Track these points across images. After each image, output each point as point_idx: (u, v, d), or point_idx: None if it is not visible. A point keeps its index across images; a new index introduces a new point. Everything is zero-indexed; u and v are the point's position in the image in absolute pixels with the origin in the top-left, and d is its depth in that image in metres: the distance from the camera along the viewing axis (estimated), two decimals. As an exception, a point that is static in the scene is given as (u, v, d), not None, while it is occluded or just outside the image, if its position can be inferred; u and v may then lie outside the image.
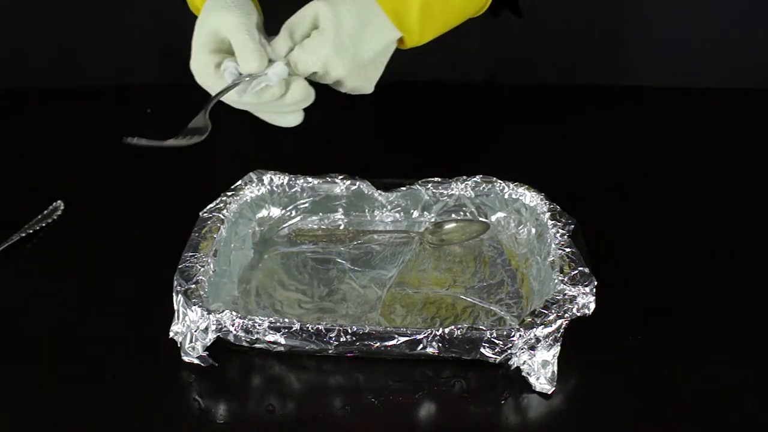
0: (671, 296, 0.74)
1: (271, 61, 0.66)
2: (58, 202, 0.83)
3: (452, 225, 0.80)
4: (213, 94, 0.66)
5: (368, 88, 0.70)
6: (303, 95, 0.67)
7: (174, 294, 0.65)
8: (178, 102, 1.09)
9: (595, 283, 0.65)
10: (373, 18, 0.67)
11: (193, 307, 0.63)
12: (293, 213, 0.82)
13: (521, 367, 0.62)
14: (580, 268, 0.67)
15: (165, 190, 0.89)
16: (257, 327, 0.62)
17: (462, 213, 0.81)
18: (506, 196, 0.80)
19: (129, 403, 0.62)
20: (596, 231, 0.74)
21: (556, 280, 0.67)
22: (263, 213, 0.81)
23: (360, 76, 0.69)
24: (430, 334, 0.62)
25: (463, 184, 0.81)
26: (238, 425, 0.60)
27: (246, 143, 0.98)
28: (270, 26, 0.70)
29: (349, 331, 0.62)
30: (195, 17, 0.70)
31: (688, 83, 1.14)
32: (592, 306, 0.64)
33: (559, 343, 0.62)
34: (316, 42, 0.66)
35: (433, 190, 0.81)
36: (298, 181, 0.81)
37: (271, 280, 0.74)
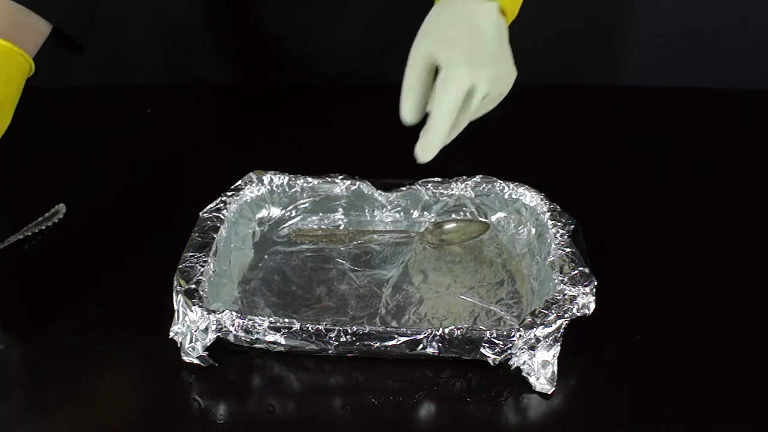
0: (671, 296, 0.74)
1: None
2: (60, 205, 0.83)
3: (452, 225, 0.80)
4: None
5: (511, 77, 0.69)
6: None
7: (174, 294, 0.65)
8: (178, 102, 1.10)
9: (595, 283, 0.65)
10: (470, 8, 0.67)
11: (193, 307, 0.63)
12: (293, 213, 0.82)
13: (521, 367, 0.63)
14: (580, 268, 0.67)
15: (165, 190, 0.89)
16: (257, 327, 0.62)
17: (462, 213, 0.81)
18: (506, 196, 0.80)
19: (129, 403, 0.62)
20: (596, 231, 0.74)
21: (556, 280, 0.67)
22: (263, 213, 0.81)
23: (501, 71, 0.67)
24: (430, 334, 0.62)
25: (463, 184, 0.81)
26: (238, 425, 0.60)
27: (246, 143, 0.98)
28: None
29: (349, 331, 0.62)
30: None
31: (688, 83, 1.14)
32: (592, 306, 0.64)
33: (559, 343, 0.62)
34: (450, 71, 0.64)
35: (433, 190, 0.81)
36: (298, 181, 0.81)
37: (271, 280, 0.74)
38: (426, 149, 0.66)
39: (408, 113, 0.66)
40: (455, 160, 0.83)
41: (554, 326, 0.62)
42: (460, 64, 0.64)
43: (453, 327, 0.62)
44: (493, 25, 0.68)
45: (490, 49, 0.67)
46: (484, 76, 0.65)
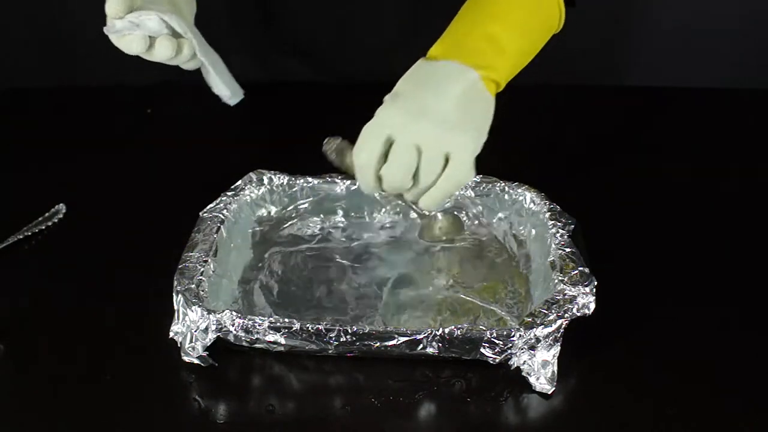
0: (671, 296, 0.74)
1: None
2: (60, 205, 0.83)
3: (448, 220, 0.79)
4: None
5: (467, 146, 0.66)
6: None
7: (174, 294, 0.65)
8: (178, 102, 1.10)
9: (595, 283, 0.65)
10: (444, 71, 0.66)
11: (193, 307, 0.63)
12: (293, 213, 0.82)
13: (521, 367, 0.62)
14: (580, 268, 0.67)
15: (165, 190, 0.89)
16: (257, 327, 0.62)
17: (462, 213, 0.81)
18: (506, 196, 0.80)
19: (129, 403, 0.62)
20: (596, 231, 0.74)
21: (556, 280, 0.67)
22: (263, 213, 0.81)
23: (447, 131, 0.64)
24: (430, 334, 0.62)
25: (463, 184, 0.80)
26: (238, 425, 0.60)
27: (246, 143, 0.98)
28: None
29: (349, 331, 0.62)
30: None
31: (688, 83, 1.14)
32: (592, 306, 0.64)
33: (559, 343, 0.62)
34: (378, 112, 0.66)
35: (434, 190, 0.80)
36: (298, 181, 0.81)
37: (271, 280, 0.74)
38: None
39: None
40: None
41: (554, 326, 0.62)
42: (389, 108, 0.65)
43: (453, 327, 0.62)
44: (462, 90, 0.65)
45: (444, 109, 0.64)
46: (422, 128, 0.64)
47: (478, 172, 0.81)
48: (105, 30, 0.67)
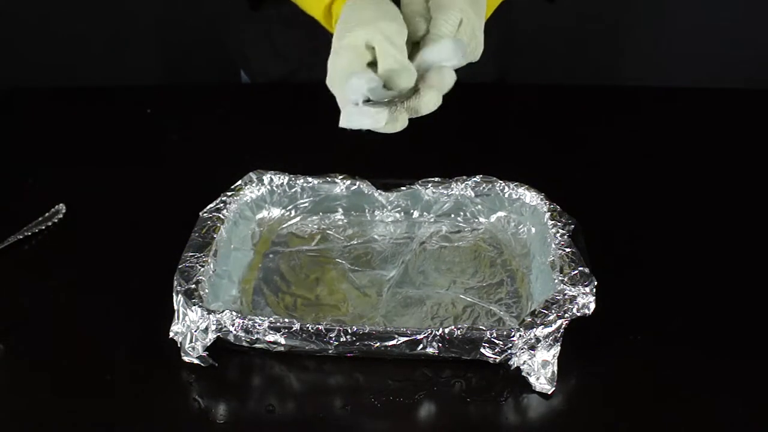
0: (671, 296, 0.74)
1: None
2: (60, 205, 0.83)
3: None
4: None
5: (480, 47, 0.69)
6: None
7: (174, 294, 0.65)
8: (178, 102, 1.10)
9: (595, 283, 0.65)
10: None
11: (193, 307, 0.63)
12: (293, 213, 0.82)
13: (521, 367, 0.63)
14: (580, 268, 0.67)
15: (165, 190, 0.89)
16: (257, 327, 0.62)
17: (462, 213, 0.81)
18: (506, 196, 0.80)
19: (129, 403, 0.62)
20: (596, 231, 0.74)
21: (556, 280, 0.67)
22: (263, 213, 0.81)
23: (481, 26, 0.69)
24: (430, 334, 0.62)
25: (463, 184, 0.81)
26: (238, 425, 0.60)
27: (246, 143, 0.98)
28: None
29: (349, 331, 0.62)
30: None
31: (688, 83, 1.14)
32: (592, 306, 0.64)
33: (559, 343, 0.62)
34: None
35: (433, 190, 0.81)
36: (298, 181, 0.81)
37: (271, 280, 0.74)
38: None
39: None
40: (455, 160, 0.84)
41: (554, 326, 0.62)
42: None
43: (453, 327, 0.62)
44: None
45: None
46: (474, 19, 0.67)
47: (477, 173, 0.82)
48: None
